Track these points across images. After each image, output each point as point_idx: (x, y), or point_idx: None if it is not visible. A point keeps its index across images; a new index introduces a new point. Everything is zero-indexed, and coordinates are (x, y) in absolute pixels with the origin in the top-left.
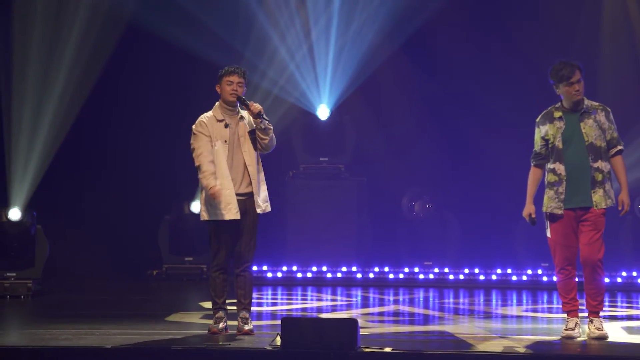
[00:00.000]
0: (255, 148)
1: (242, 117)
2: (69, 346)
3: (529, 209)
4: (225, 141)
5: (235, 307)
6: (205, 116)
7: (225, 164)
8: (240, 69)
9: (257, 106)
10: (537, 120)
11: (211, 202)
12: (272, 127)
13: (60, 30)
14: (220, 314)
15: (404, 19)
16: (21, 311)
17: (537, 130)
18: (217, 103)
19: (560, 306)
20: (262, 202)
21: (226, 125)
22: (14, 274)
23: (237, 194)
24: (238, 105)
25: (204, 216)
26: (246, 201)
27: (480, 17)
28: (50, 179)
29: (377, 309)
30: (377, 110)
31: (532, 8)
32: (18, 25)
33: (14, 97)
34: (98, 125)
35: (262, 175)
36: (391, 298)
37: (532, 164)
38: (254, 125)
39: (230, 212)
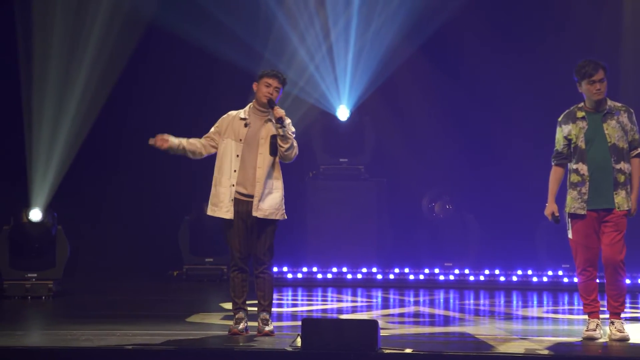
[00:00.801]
0: (272, 153)
1: (269, 120)
2: (90, 347)
3: (551, 207)
4: (240, 140)
5: (256, 308)
6: (230, 113)
7: (231, 161)
8: (282, 75)
9: (280, 111)
10: (560, 119)
11: (212, 199)
12: (292, 138)
13: (81, 30)
14: (241, 314)
15: (423, 20)
16: (42, 312)
17: (559, 129)
18: (250, 103)
19: (581, 307)
20: (268, 207)
21: (246, 125)
22: (35, 275)
23: (243, 194)
24: (269, 108)
25: (207, 211)
26: (254, 203)
27: (499, 18)
28: (71, 179)
29: (397, 310)
30: (397, 111)
31: (552, 9)
32: (38, 25)
33: (35, 98)
34: (118, 125)
35: (276, 182)
36: (411, 299)
37: (553, 163)
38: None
39: (220, 210)
